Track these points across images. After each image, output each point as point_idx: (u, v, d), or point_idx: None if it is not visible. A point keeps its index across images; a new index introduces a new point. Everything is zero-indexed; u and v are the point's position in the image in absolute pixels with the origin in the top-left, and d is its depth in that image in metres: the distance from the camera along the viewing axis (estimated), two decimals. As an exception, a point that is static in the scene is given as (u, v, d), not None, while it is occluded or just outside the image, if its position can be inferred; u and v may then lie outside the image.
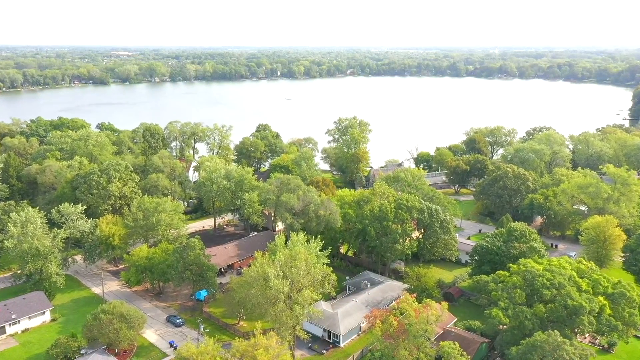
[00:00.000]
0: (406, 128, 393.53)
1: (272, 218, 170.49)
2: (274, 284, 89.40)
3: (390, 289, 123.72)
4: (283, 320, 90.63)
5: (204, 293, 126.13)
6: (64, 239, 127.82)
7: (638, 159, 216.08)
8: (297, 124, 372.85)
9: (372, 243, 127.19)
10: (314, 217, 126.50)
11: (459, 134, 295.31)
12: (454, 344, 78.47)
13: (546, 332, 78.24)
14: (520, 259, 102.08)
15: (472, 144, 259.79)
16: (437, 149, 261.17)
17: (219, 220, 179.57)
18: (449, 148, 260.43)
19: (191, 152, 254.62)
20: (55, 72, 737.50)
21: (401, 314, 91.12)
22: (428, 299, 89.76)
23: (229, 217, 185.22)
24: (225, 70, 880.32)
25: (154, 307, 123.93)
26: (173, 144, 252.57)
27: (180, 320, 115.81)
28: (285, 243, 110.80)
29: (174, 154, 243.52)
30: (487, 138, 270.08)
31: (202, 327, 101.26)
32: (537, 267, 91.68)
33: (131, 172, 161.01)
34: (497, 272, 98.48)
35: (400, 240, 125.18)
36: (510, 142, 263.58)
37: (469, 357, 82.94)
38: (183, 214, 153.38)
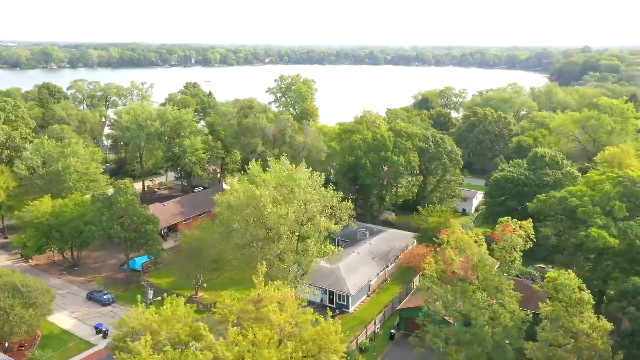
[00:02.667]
0: (341, 101, 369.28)
1: (219, 174, 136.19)
2: (272, 211, 57.00)
3: (395, 237, 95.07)
4: (284, 267, 58.63)
5: (141, 260, 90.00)
6: None
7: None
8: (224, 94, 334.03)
9: (367, 180, 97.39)
10: (292, 146, 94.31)
11: (406, 99, 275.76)
12: (568, 273, 51.22)
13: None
14: (586, 174, 77.45)
15: (425, 104, 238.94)
16: (389, 109, 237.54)
17: (147, 183, 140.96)
18: (402, 109, 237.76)
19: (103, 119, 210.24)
20: None
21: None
22: (506, 217, 61.80)
23: (160, 179, 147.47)
24: (133, 56, 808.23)
25: (67, 282, 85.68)
26: (80, 107, 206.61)
27: (108, 296, 79.13)
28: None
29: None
30: (438, 100, 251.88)
31: (151, 292, 65.71)
32: (632, 173, 67.38)
33: (23, 114, 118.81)
34: (568, 188, 73.09)
35: (404, 173, 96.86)
36: (462, 103, 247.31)
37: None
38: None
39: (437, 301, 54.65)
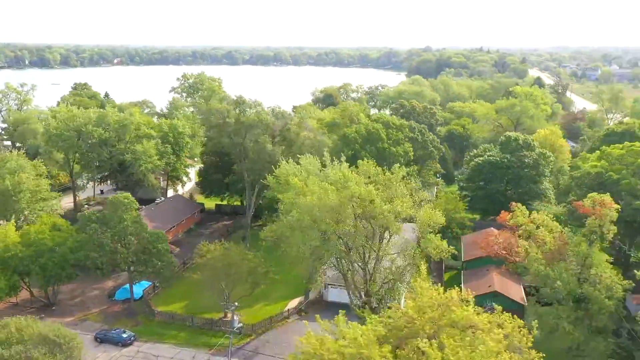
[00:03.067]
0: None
1: (166, 182, 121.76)
2: (385, 208, 52.07)
3: (404, 228, 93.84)
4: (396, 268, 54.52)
5: (141, 286, 76.07)
6: None
7: (490, 98, 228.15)
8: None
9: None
10: (294, 141, 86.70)
11: (304, 96, 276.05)
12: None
13: None
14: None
15: (329, 100, 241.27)
16: (295, 107, 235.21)
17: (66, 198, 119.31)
18: (309, 105, 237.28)
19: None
20: None
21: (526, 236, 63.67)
22: (592, 193, 63.68)
23: (86, 194, 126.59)
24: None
25: (55, 327, 68.51)
26: None
27: (128, 334, 65.09)
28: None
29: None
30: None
31: (236, 318, 54.85)
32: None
33: None
34: (592, 163, 78.59)
35: (402, 163, 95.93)
36: (361, 98, 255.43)
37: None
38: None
39: (556, 282, 54.75)
